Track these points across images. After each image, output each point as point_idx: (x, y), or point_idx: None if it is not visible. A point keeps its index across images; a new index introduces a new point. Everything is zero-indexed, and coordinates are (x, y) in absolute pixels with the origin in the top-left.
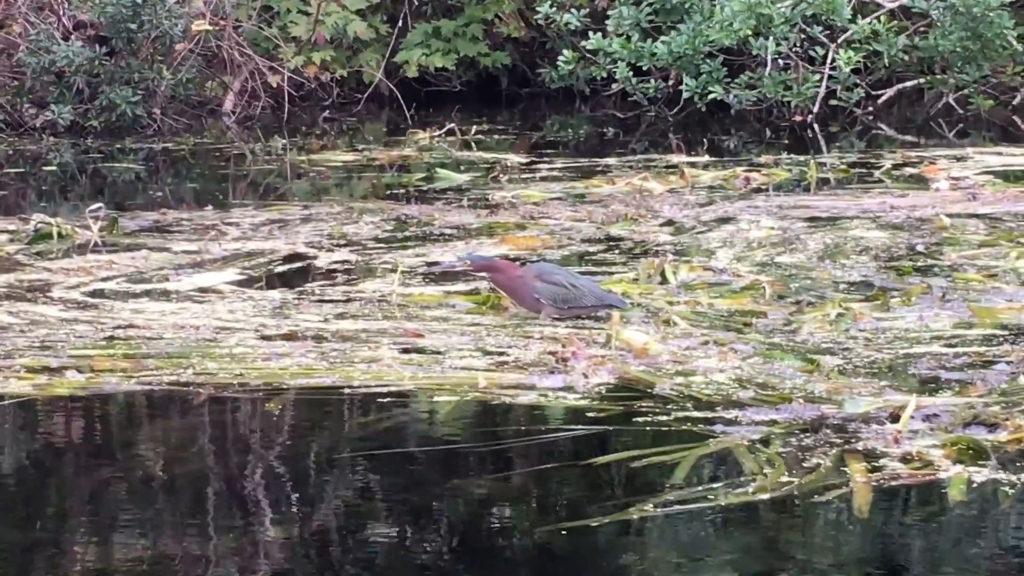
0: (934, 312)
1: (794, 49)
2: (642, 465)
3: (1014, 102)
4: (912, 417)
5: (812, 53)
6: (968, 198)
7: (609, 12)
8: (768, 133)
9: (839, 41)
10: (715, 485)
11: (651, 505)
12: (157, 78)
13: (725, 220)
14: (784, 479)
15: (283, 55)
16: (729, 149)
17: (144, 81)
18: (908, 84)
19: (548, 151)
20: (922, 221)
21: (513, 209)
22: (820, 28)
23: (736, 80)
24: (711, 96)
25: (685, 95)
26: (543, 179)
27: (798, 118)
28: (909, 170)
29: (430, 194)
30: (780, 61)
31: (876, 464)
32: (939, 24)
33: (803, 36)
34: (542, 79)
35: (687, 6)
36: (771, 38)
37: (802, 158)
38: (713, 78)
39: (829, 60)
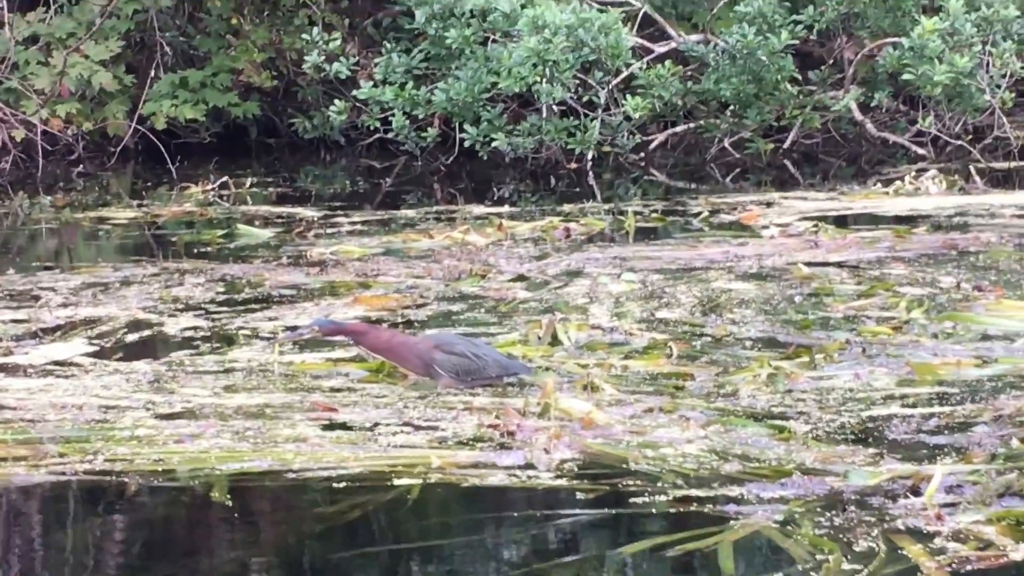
0: (868, 370)
1: (570, 96)
2: (677, 553)
3: (784, 145)
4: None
5: (594, 99)
6: (809, 245)
7: (376, 60)
8: (553, 181)
9: (610, 86)
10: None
11: None
12: None
13: (575, 273)
14: (846, 567)
15: (25, 108)
16: (506, 198)
17: None
18: (678, 129)
19: (336, 203)
20: (779, 271)
21: (341, 266)
22: (601, 74)
23: (518, 127)
24: (494, 144)
25: (466, 143)
26: (350, 233)
27: (573, 165)
28: (726, 217)
29: (241, 251)
30: (555, 108)
31: (932, 546)
32: (716, 68)
33: (577, 82)
34: (294, 129)
35: (462, 52)
36: (555, 84)
37: (605, 207)
38: (495, 126)
39: (603, 106)
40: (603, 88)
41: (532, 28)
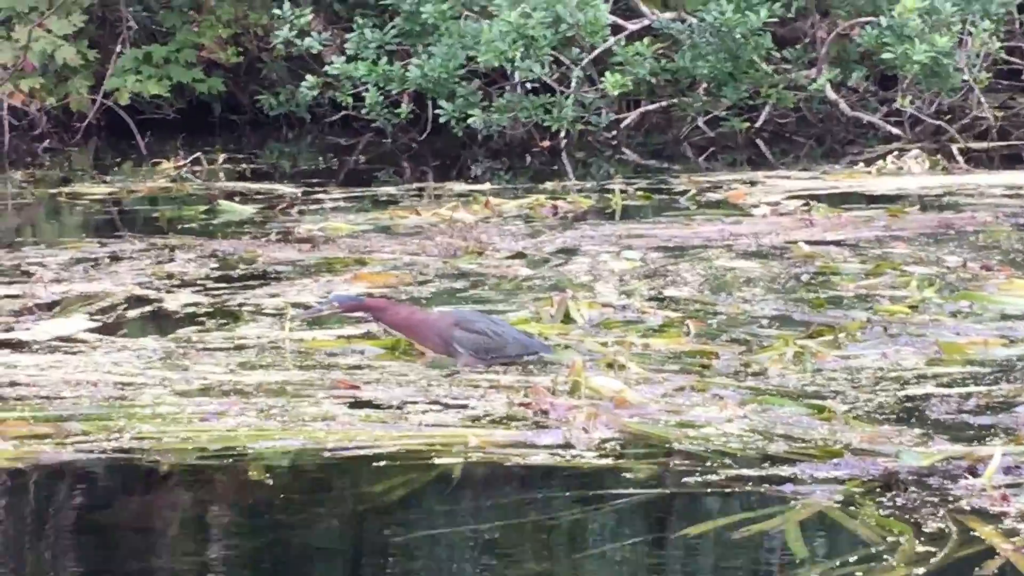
0: (894, 349)
1: (545, 72)
2: (745, 535)
3: (756, 124)
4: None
5: (568, 76)
6: (804, 224)
7: (347, 36)
8: (527, 159)
9: (583, 62)
10: (850, 558)
11: None
12: None
13: (572, 251)
14: (920, 548)
15: None
16: (480, 176)
17: None
18: (653, 107)
19: (309, 180)
20: (778, 249)
21: (332, 243)
22: (577, 51)
23: (493, 104)
24: (470, 120)
25: (442, 119)
26: (334, 210)
27: (546, 143)
28: (712, 195)
29: (227, 228)
30: (528, 84)
31: (1003, 527)
32: (693, 46)
33: (551, 59)
34: (259, 105)
35: (438, 28)
36: (532, 60)
37: (582, 185)
38: (470, 102)
39: (574, 82)
40: (578, 65)
41: (511, 3)
